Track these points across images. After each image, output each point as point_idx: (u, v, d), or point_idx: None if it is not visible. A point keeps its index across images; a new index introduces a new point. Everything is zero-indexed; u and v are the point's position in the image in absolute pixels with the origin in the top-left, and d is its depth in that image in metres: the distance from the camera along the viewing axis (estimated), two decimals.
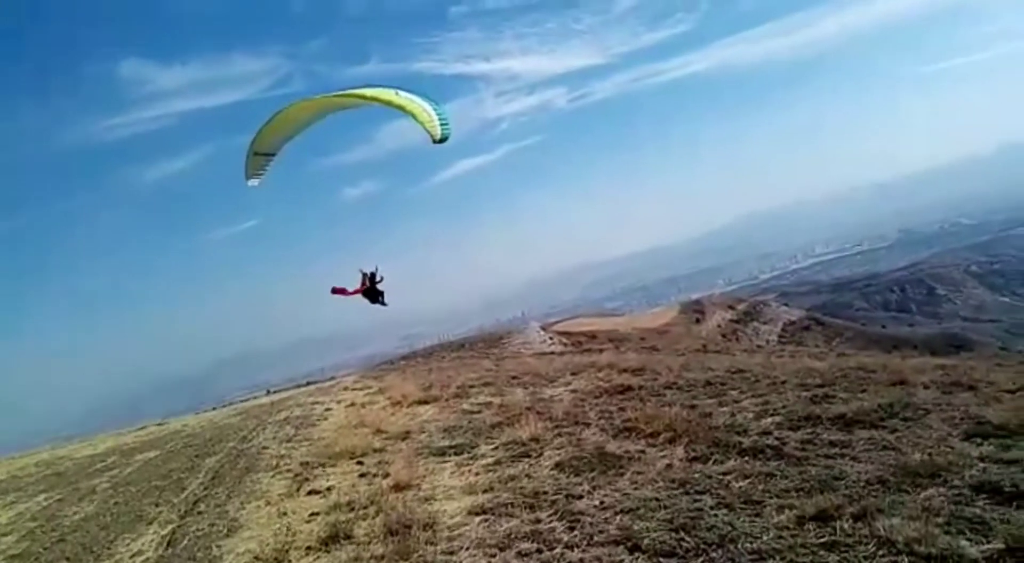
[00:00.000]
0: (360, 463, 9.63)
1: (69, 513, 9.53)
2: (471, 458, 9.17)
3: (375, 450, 10.31)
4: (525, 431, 9.64)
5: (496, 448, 9.44)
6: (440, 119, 9.15)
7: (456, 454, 9.49)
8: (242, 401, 31.56)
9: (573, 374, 16.32)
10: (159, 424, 22.09)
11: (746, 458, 7.35)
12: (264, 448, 11.97)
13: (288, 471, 9.72)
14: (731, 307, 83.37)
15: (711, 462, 7.34)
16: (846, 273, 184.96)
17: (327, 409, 16.45)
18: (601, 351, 32.60)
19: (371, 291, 10.92)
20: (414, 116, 9.02)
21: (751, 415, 9.36)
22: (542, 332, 56.74)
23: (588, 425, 9.98)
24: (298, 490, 8.48)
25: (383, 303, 11.07)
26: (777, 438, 7.98)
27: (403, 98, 9.10)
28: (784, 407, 9.48)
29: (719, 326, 74.76)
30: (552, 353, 38.28)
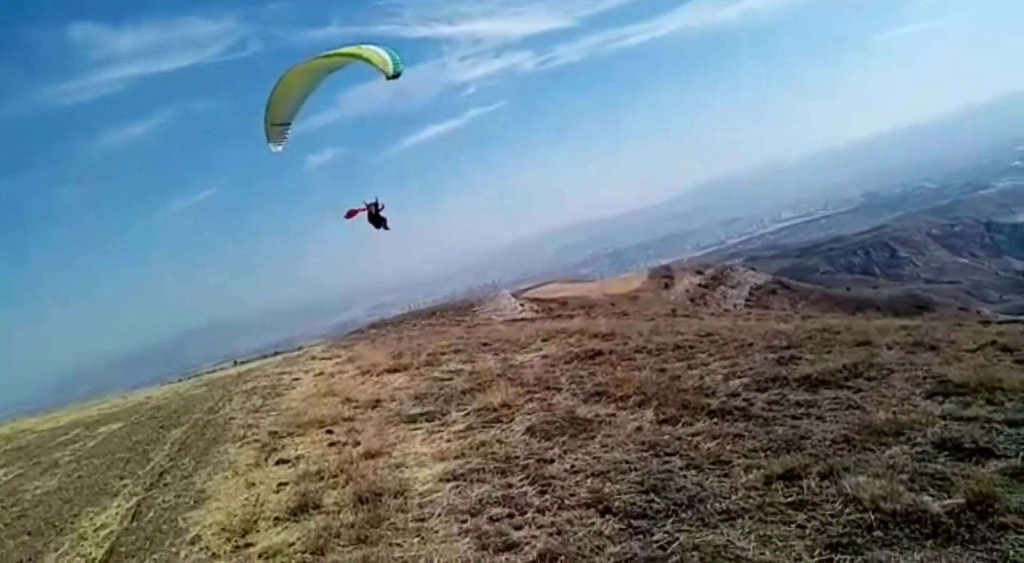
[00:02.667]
0: (330, 432, 9.53)
1: (30, 488, 9.29)
2: (442, 425, 9.13)
3: (345, 419, 10.21)
4: (496, 397, 9.62)
5: (467, 414, 9.41)
6: (392, 58, 9.68)
7: (427, 421, 9.45)
8: (208, 372, 31.18)
9: (544, 340, 16.31)
10: (123, 396, 21.73)
11: (715, 420, 7.40)
12: (231, 418, 11.81)
13: (256, 441, 9.58)
14: (699, 272, 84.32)
15: (680, 424, 7.38)
16: (811, 237, 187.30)
17: (295, 379, 16.27)
18: (572, 317, 32.71)
19: (375, 217, 12.00)
20: (368, 60, 9.67)
21: (719, 377, 9.40)
22: (513, 299, 56.71)
23: (559, 390, 9.98)
24: (266, 460, 8.36)
25: (386, 227, 12.12)
26: (744, 399, 8.04)
27: (365, 49, 9.84)
28: (751, 369, 9.55)
29: (688, 291, 75.64)
30: (523, 320, 38.32)
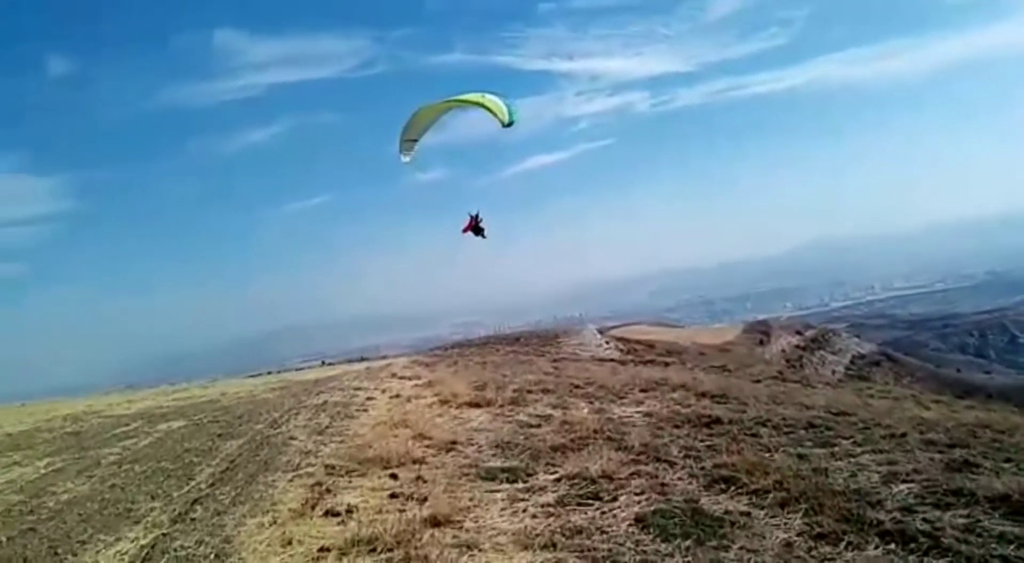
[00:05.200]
0: (394, 477, 8.01)
1: (59, 490, 8.23)
2: (527, 490, 7.45)
3: (414, 461, 8.70)
4: (594, 463, 7.90)
5: (559, 480, 7.69)
6: (509, 109, 11.61)
7: (509, 481, 7.79)
8: (296, 369, 31.39)
9: (643, 391, 14.61)
10: (204, 387, 21.58)
11: (891, 545, 5.45)
12: (291, 438, 10.59)
13: (309, 475, 8.18)
14: (799, 332, 79.76)
15: (844, 545, 5.47)
16: (924, 311, 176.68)
17: (369, 398, 15.10)
18: (667, 365, 30.66)
19: (476, 227, 14.12)
20: (489, 110, 11.54)
21: (877, 478, 7.40)
22: (599, 335, 54.97)
23: (672, 465, 8.16)
24: (313, 508, 6.86)
25: (484, 236, 14.20)
26: (925, 520, 6.02)
27: (487, 98, 11.65)
28: (917, 472, 7.45)
29: (783, 351, 71.43)
30: (613, 360, 36.41)
